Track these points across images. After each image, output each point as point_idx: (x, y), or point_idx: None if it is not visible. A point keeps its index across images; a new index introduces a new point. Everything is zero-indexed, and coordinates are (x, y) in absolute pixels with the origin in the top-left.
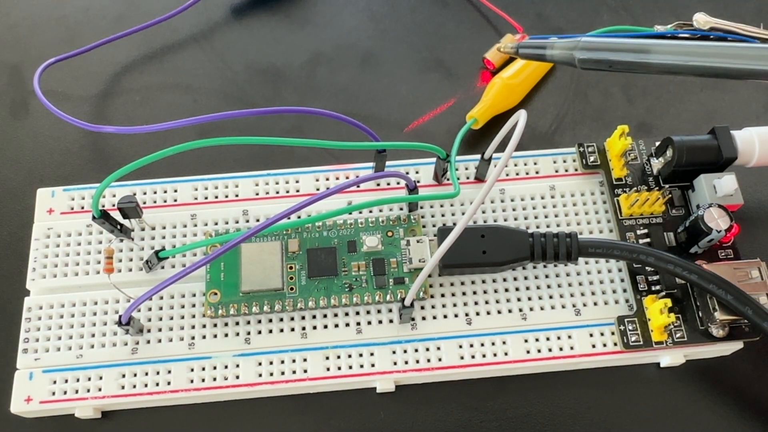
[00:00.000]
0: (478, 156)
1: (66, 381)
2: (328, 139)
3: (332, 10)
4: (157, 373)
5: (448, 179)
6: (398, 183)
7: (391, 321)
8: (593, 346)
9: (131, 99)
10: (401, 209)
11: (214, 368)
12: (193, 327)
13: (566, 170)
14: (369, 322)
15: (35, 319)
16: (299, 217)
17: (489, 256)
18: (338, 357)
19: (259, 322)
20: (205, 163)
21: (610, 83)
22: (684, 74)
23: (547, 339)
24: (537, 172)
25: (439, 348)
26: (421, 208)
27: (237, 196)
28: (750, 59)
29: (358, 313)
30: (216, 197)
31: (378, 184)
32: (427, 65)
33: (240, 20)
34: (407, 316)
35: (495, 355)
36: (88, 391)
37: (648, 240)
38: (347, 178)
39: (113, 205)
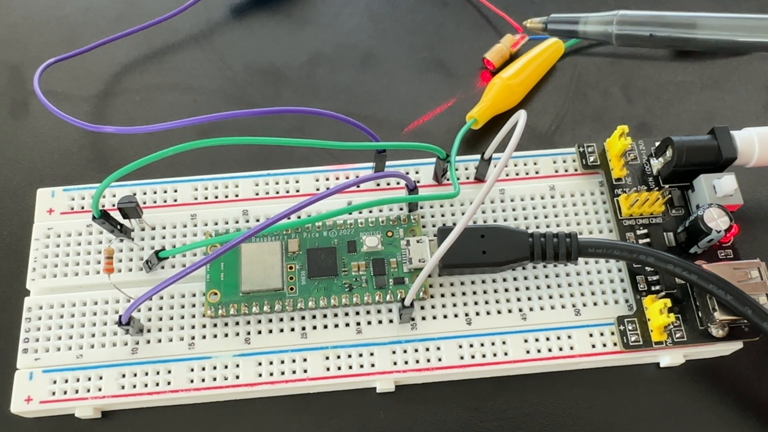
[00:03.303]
0: (478, 156)
1: (66, 381)
2: (328, 139)
3: (332, 10)
4: (157, 373)
5: (448, 179)
6: (398, 183)
7: (391, 321)
8: (593, 346)
9: (131, 99)
10: (401, 209)
11: (214, 368)
12: (193, 327)
13: (566, 170)
14: (369, 322)
15: (35, 319)
16: (299, 217)
17: (489, 256)
18: (338, 357)
19: (259, 322)
20: (205, 163)
21: (610, 83)
22: (731, 50)
23: (547, 339)
24: (537, 172)
25: (439, 348)
26: (421, 208)
27: (237, 196)
28: None
29: (358, 313)
30: (216, 197)
31: (378, 184)
32: (427, 65)
33: (240, 20)
34: (407, 316)
35: (495, 355)
36: (88, 391)
37: (648, 240)
38: (347, 178)
39: (113, 205)
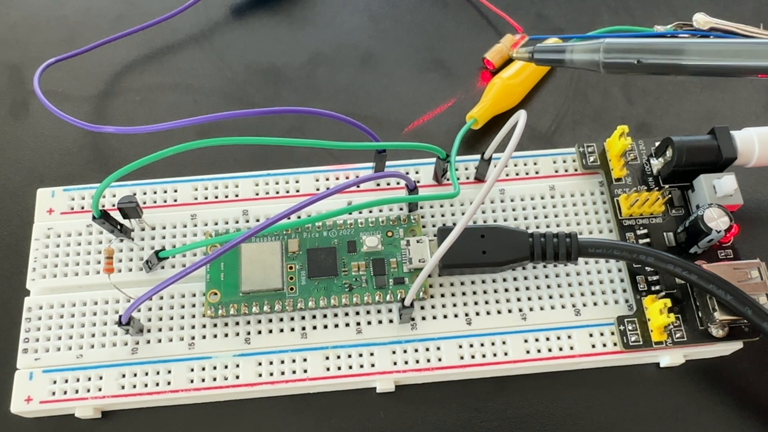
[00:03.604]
0: (478, 156)
1: (66, 381)
2: (328, 139)
3: (332, 10)
4: (157, 373)
5: (448, 179)
6: (398, 183)
7: (391, 321)
8: (593, 346)
9: (131, 99)
10: (401, 209)
11: (214, 368)
12: (193, 327)
13: (566, 170)
14: (369, 322)
15: (35, 319)
16: (299, 217)
17: (489, 256)
18: (338, 357)
19: (259, 322)
20: (205, 163)
21: (611, 83)
22: (720, 75)
23: (547, 339)
24: (537, 172)
25: (439, 348)
26: (421, 208)
27: (237, 196)
28: None
29: (358, 313)
30: (216, 197)
31: (378, 184)
32: (427, 65)
33: (240, 20)
34: (407, 316)
35: (495, 355)
36: (88, 391)
37: (648, 240)
38: (347, 178)
39: (113, 205)
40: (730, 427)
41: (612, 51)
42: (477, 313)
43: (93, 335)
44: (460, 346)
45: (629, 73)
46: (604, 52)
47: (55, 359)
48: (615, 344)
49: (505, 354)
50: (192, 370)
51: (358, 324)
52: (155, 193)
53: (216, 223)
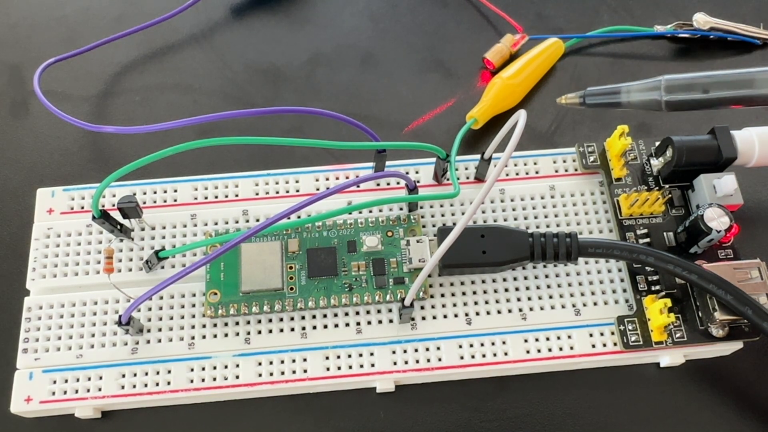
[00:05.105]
0: (478, 156)
1: (66, 381)
2: (328, 139)
3: (332, 10)
4: (157, 373)
5: (448, 179)
6: (398, 183)
7: (391, 321)
8: (593, 346)
9: (131, 99)
10: (401, 209)
11: (214, 368)
12: (193, 327)
13: (566, 170)
14: (369, 322)
15: (35, 319)
16: (299, 217)
17: (489, 256)
18: (338, 357)
19: (259, 322)
20: (205, 163)
21: (610, 83)
22: None
23: (547, 339)
24: (537, 172)
25: (439, 348)
26: (421, 208)
27: (237, 196)
28: None
29: (358, 313)
30: (216, 197)
31: (378, 184)
32: (427, 65)
33: (240, 20)
34: (407, 316)
35: (495, 355)
36: (88, 391)
37: (648, 240)
38: (347, 178)
39: (113, 205)
40: (730, 427)
41: (674, 88)
42: (477, 313)
43: (93, 335)
44: (460, 346)
45: (692, 109)
46: (665, 91)
47: (55, 359)
48: (615, 344)
49: (505, 354)
50: (192, 370)
51: (358, 324)
52: (155, 193)
53: (216, 223)
